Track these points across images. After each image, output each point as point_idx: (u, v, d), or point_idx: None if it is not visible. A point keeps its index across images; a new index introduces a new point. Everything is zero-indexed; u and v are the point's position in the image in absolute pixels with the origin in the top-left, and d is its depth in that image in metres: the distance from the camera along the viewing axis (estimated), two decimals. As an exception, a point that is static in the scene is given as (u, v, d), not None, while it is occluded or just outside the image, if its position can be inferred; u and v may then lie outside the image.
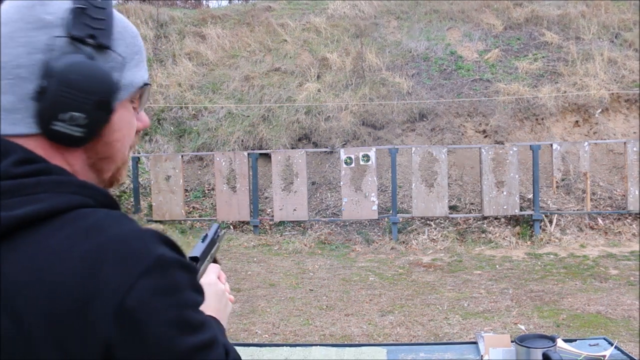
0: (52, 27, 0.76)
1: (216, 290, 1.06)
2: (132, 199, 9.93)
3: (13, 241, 0.71)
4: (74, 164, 0.81)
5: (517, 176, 8.89)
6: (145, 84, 0.87)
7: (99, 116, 0.79)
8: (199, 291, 0.80)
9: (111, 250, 0.71)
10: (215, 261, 1.16)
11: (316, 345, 2.49)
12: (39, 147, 0.78)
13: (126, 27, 0.85)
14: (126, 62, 0.83)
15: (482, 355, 2.29)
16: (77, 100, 0.76)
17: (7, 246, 0.71)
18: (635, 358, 2.25)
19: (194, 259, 1.05)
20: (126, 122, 0.85)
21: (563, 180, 9.70)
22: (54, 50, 0.75)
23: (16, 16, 0.76)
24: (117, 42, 0.82)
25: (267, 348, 2.43)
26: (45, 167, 0.76)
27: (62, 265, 0.69)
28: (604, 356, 2.24)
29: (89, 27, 0.77)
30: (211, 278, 1.08)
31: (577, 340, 2.46)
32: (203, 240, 1.12)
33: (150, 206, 9.72)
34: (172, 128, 11.47)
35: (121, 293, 0.68)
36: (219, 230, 1.19)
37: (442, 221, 9.35)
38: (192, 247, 1.10)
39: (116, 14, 0.83)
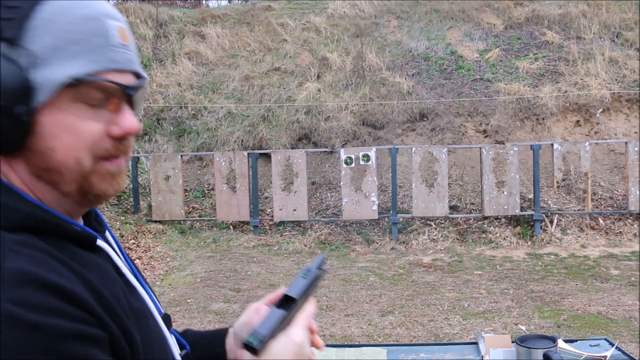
0: None
1: (298, 353, 0.79)
2: (131, 199, 9.92)
3: None
4: (20, 173, 0.70)
5: (517, 176, 8.87)
6: (88, 79, 0.68)
7: (6, 121, 0.65)
8: None
9: None
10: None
11: (315, 345, 2.47)
12: None
13: (60, 13, 0.68)
14: (48, 56, 0.67)
15: (482, 356, 2.27)
16: None
17: None
18: (636, 358, 2.23)
19: (289, 299, 0.84)
20: (64, 126, 0.69)
21: (564, 180, 9.69)
22: None
23: None
24: (37, 31, 0.66)
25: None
26: None
27: None
28: (605, 357, 2.22)
29: None
30: (299, 336, 0.80)
31: (578, 341, 2.44)
32: (305, 275, 0.89)
33: (150, 206, 9.71)
34: (171, 128, 11.46)
35: None
36: (323, 263, 0.95)
37: (442, 221, 9.33)
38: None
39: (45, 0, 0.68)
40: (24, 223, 0.66)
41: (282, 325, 0.81)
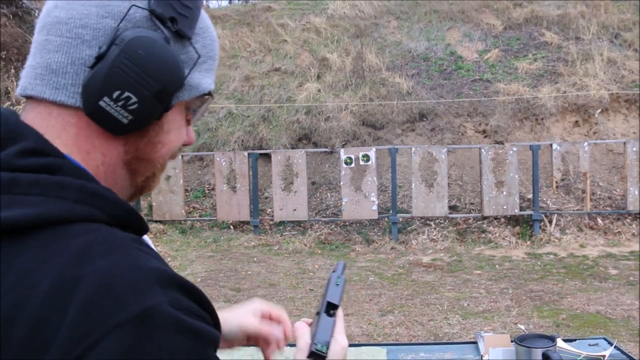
0: None
1: (345, 354, 0.86)
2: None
3: None
4: (109, 154, 0.69)
5: (516, 176, 8.90)
6: (209, 93, 0.76)
7: (152, 107, 0.67)
8: None
9: (88, 287, 0.55)
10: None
11: (317, 345, 2.49)
12: (74, 125, 0.67)
13: (209, 27, 0.77)
14: (199, 62, 0.73)
15: (481, 355, 2.29)
16: (135, 79, 0.65)
17: None
18: (635, 358, 2.25)
19: (334, 306, 0.90)
20: (177, 126, 0.74)
21: (563, 180, 9.71)
22: (129, 21, 0.66)
23: None
24: (197, 37, 0.73)
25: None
26: (50, 164, 0.63)
27: (22, 296, 0.55)
28: (604, 356, 2.24)
29: (173, 10, 0.68)
30: (345, 340, 0.87)
31: (577, 340, 2.46)
32: (338, 283, 0.95)
33: (151, 206, 9.72)
34: (172, 128, 11.46)
35: (80, 349, 0.53)
36: (344, 268, 1.02)
37: (442, 221, 9.35)
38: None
39: (203, 11, 0.76)
40: (121, 217, 0.65)
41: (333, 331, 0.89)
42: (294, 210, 9.22)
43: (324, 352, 0.86)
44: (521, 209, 9.05)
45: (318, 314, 0.91)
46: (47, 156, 0.63)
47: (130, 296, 0.55)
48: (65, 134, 0.67)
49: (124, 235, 0.62)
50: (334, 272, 1.00)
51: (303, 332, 0.88)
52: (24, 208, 0.58)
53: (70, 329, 0.53)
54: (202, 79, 0.74)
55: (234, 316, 1.00)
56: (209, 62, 0.75)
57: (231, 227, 9.68)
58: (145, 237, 0.75)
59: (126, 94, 0.65)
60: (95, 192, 0.63)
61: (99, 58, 0.64)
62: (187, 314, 0.58)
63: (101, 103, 0.65)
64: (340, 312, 0.91)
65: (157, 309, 0.55)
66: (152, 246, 0.75)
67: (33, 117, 0.68)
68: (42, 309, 0.54)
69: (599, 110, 10.76)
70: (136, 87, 0.65)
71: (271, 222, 9.70)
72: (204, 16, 0.75)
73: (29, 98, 0.69)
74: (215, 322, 0.65)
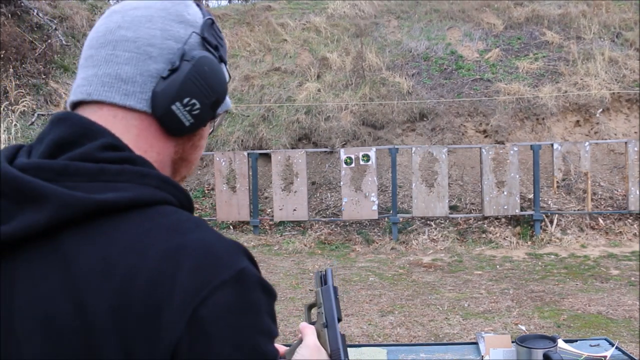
0: (190, 25, 0.83)
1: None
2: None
3: (87, 227, 0.69)
4: (162, 153, 0.82)
5: (517, 176, 8.87)
6: (228, 110, 0.93)
7: (208, 113, 0.83)
8: (274, 320, 0.75)
9: (191, 254, 0.67)
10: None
11: (315, 345, 2.47)
12: (136, 127, 0.79)
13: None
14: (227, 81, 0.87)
15: (482, 356, 2.27)
16: (200, 89, 0.80)
17: (81, 232, 0.69)
18: (637, 359, 2.23)
19: (339, 320, 1.02)
20: (205, 135, 0.89)
21: (564, 180, 9.69)
22: (188, 43, 0.81)
23: (159, 5, 0.82)
24: (226, 63, 0.89)
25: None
26: (129, 157, 0.75)
27: (136, 262, 0.66)
28: (605, 357, 2.22)
29: (216, 38, 0.85)
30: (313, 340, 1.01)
31: (578, 341, 2.44)
32: (337, 295, 1.07)
33: (150, 206, 9.70)
34: (172, 128, 11.45)
35: (195, 303, 0.65)
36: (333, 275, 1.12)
37: (442, 221, 9.33)
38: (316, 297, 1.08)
39: None
40: (184, 201, 0.79)
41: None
42: (294, 210, 9.20)
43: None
44: (522, 209, 9.02)
45: (326, 326, 1.01)
46: (124, 151, 0.76)
47: (227, 261, 0.69)
48: (127, 134, 0.78)
49: (198, 217, 0.75)
50: (324, 283, 1.07)
51: (310, 330, 1.03)
52: (117, 192, 0.70)
53: (183, 288, 0.65)
54: (227, 97, 0.88)
55: None
56: (228, 85, 0.89)
57: (231, 227, 9.67)
58: None
59: (193, 100, 0.80)
60: (169, 181, 0.77)
61: (173, 70, 0.79)
62: (263, 280, 0.73)
63: (173, 107, 0.78)
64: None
65: (247, 270, 0.70)
66: None
67: (95, 120, 0.78)
68: (154, 271, 0.66)
69: (600, 110, 10.74)
70: (201, 96, 0.80)
71: (271, 222, 9.68)
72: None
73: (86, 103, 0.80)
74: None
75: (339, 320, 0.99)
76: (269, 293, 0.74)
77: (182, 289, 0.65)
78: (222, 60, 0.85)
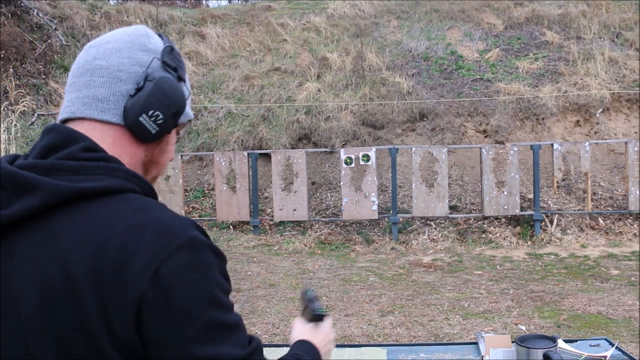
0: (152, 52, 1.02)
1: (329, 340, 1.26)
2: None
3: (71, 209, 0.88)
4: (134, 157, 1.01)
5: (517, 176, 8.87)
6: (190, 120, 1.12)
7: (170, 122, 1.01)
8: (227, 279, 0.92)
9: (152, 227, 0.86)
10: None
11: (315, 345, 2.47)
12: (112, 136, 0.99)
13: (187, 77, 1.11)
14: (188, 96, 1.06)
15: (482, 356, 2.27)
16: (162, 103, 0.99)
17: (66, 213, 0.88)
18: (636, 359, 2.23)
19: (320, 317, 1.25)
20: (172, 142, 1.09)
21: (564, 180, 9.68)
22: (151, 67, 1.01)
23: (126, 38, 1.02)
24: (186, 81, 1.08)
25: (267, 348, 2.41)
26: (104, 156, 0.94)
27: (109, 232, 0.85)
28: (605, 357, 2.22)
29: (174, 61, 1.04)
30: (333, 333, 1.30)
31: (578, 341, 2.44)
32: (324, 311, 1.28)
33: (150, 206, 9.70)
34: (172, 128, 11.44)
35: (157, 261, 0.83)
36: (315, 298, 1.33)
37: (442, 221, 9.33)
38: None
39: None
40: (148, 191, 0.97)
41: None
42: (294, 210, 9.20)
43: (324, 312, 1.20)
44: (522, 209, 9.02)
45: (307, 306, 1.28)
46: (99, 152, 0.95)
47: (180, 231, 0.87)
48: (104, 142, 0.97)
49: (158, 202, 0.95)
50: (310, 301, 1.28)
51: (299, 321, 1.29)
52: (94, 182, 0.89)
53: (146, 252, 0.84)
54: (189, 109, 1.08)
55: None
56: (189, 99, 1.08)
57: (231, 227, 9.66)
58: None
59: (157, 112, 0.99)
60: (136, 175, 0.96)
61: (138, 90, 0.98)
62: (212, 244, 0.91)
63: (140, 118, 0.98)
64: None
65: (198, 237, 0.88)
66: None
67: (78, 130, 0.98)
68: (123, 240, 0.84)
69: (600, 110, 10.73)
70: (163, 108, 0.99)
71: (271, 222, 9.68)
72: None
73: (71, 120, 1.00)
74: None
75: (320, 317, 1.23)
76: (219, 255, 0.91)
77: (145, 253, 0.83)
78: (181, 79, 1.04)
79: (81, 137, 0.95)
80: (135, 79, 0.99)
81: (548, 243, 8.64)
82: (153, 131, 0.99)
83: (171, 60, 1.03)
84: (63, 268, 0.84)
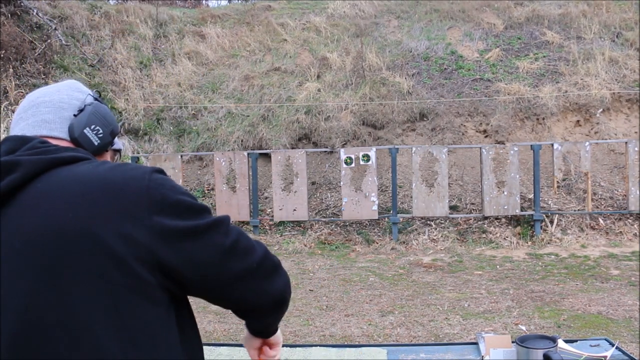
0: (85, 92, 1.30)
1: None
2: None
3: (48, 176, 1.08)
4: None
5: (517, 176, 8.87)
6: (119, 150, 1.40)
7: (108, 138, 1.27)
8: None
9: (123, 167, 1.11)
10: None
11: (316, 345, 2.47)
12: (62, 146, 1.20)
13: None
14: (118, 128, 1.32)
15: (482, 356, 2.27)
16: (101, 121, 1.25)
17: (45, 179, 1.08)
18: (637, 359, 2.23)
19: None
20: (108, 155, 1.35)
21: (564, 180, 9.68)
22: (87, 100, 1.28)
23: (64, 86, 1.29)
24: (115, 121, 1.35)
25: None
26: (57, 144, 1.16)
27: (93, 175, 1.08)
28: (605, 357, 2.22)
29: (101, 101, 1.32)
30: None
31: (578, 341, 2.44)
32: None
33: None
34: (171, 128, 11.45)
35: (145, 180, 1.08)
36: None
37: (442, 221, 9.32)
38: None
39: None
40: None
41: None
42: (294, 210, 9.20)
43: None
44: (522, 209, 9.02)
45: None
46: (51, 144, 1.16)
47: (144, 166, 1.13)
48: None
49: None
50: None
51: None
52: (64, 153, 1.12)
53: (132, 178, 1.09)
54: (118, 141, 1.38)
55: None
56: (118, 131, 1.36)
57: (231, 227, 9.65)
58: None
59: (97, 127, 1.25)
60: (89, 154, 1.21)
61: (80, 111, 1.24)
62: (174, 183, 1.15)
63: (85, 131, 1.22)
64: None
65: (156, 169, 1.14)
66: None
67: None
68: (105, 177, 1.08)
69: (600, 110, 10.73)
70: (102, 125, 1.26)
71: (271, 222, 9.68)
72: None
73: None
74: None
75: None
76: (178, 186, 1.15)
77: (131, 179, 1.08)
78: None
79: (34, 137, 1.15)
80: (75, 108, 1.24)
81: (548, 243, 8.64)
82: (95, 143, 1.23)
83: (100, 99, 1.32)
84: (51, 217, 1.03)
